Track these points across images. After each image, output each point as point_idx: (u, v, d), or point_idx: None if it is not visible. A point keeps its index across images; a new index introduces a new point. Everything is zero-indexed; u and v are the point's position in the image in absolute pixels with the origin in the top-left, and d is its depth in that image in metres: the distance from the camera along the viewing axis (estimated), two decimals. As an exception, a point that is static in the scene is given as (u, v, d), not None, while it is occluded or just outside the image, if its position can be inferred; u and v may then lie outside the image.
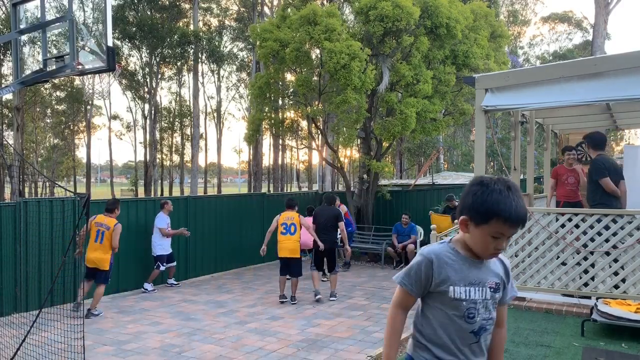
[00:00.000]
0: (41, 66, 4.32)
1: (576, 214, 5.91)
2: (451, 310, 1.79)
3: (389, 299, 8.36)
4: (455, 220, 9.27)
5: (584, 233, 5.82)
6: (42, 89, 28.15)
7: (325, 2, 15.89)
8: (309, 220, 8.83)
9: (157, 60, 27.89)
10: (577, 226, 5.87)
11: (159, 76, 30.17)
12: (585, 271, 5.84)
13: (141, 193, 31.47)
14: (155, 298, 8.58)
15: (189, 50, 26.10)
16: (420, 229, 11.54)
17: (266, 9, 30.17)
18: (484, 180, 1.74)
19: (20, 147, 22.41)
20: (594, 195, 6.24)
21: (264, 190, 32.74)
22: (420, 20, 10.79)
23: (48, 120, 36.23)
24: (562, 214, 6.02)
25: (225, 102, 53.29)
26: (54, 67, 4.21)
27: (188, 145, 33.90)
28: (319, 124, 13.12)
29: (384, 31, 10.49)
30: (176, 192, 38.09)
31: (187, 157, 34.49)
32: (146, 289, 8.91)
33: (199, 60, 28.13)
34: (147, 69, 29.40)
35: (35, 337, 4.97)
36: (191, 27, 26.87)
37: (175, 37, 25.64)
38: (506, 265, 1.91)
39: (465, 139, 28.06)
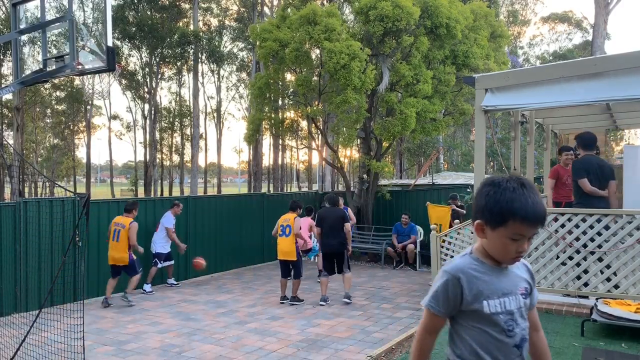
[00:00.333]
0: (41, 66, 4.32)
1: (576, 214, 5.90)
2: (489, 326, 1.65)
3: (389, 299, 8.36)
4: (456, 221, 9.29)
5: (584, 233, 5.82)
6: (42, 89, 28.14)
7: (325, 2, 15.90)
8: (305, 222, 8.78)
9: (157, 60, 27.89)
10: (577, 226, 5.87)
11: (159, 76, 30.17)
12: (585, 271, 5.84)
13: (141, 193, 31.46)
14: (155, 298, 8.58)
15: (189, 50, 26.10)
16: (420, 229, 11.54)
17: (266, 9, 30.17)
18: (495, 180, 1.64)
19: (20, 147, 22.41)
20: (575, 195, 6.45)
21: (264, 190, 32.75)
22: (420, 20, 10.80)
23: (48, 120, 36.22)
24: (562, 214, 6.02)
25: (225, 102, 53.34)
26: (54, 67, 4.20)
27: (188, 145, 33.89)
28: (319, 124, 13.12)
29: (384, 31, 10.49)
30: (176, 192, 38.07)
31: (187, 157, 34.49)
32: (145, 290, 8.89)
33: (199, 60, 28.14)
34: (147, 69, 29.40)
35: (35, 337, 4.97)
36: (191, 27, 26.87)
37: (175, 37, 25.65)
38: (528, 266, 1.81)
39: (465, 139, 28.05)
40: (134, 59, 30.74)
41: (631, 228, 5.54)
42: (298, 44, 10.70)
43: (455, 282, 1.65)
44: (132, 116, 36.93)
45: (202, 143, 35.13)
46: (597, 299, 5.50)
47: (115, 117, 38.12)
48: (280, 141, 31.77)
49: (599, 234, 5.72)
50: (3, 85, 16.75)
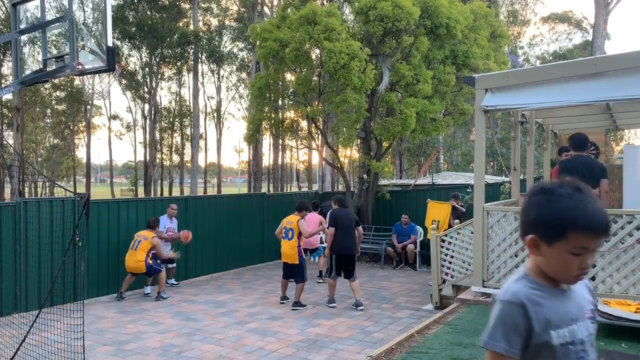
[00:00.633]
0: (41, 66, 4.32)
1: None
2: None
3: (389, 299, 8.36)
4: (456, 221, 9.28)
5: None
6: (42, 89, 28.13)
7: (325, 2, 15.89)
8: (313, 219, 8.61)
9: (157, 60, 27.89)
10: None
11: (159, 76, 30.17)
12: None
13: (141, 193, 31.46)
14: (155, 298, 8.57)
15: (189, 50, 26.11)
16: (420, 229, 11.54)
17: (266, 9, 30.18)
18: (545, 187, 1.42)
19: (20, 147, 22.41)
20: None
21: (264, 190, 32.74)
22: (420, 20, 10.80)
23: (48, 120, 36.21)
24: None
25: (225, 102, 53.28)
26: (54, 67, 4.20)
27: (188, 145, 33.90)
28: (318, 124, 13.12)
29: (384, 31, 10.49)
30: (176, 192, 38.07)
31: (187, 157, 34.49)
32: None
33: (199, 60, 28.15)
34: (147, 69, 29.40)
35: (35, 337, 4.97)
36: (191, 27, 26.88)
37: (175, 37, 25.65)
38: (588, 285, 1.56)
39: (465, 139, 28.06)
40: (134, 59, 30.76)
41: (631, 228, 5.54)
42: (298, 44, 10.70)
43: (521, 312, 1.39)
44: (132, 116, 36.93)
45: (202, 143, 35.14)
46: (597, 299, 5.50)
47: (115, 117, 38.14)
48: (280, 141, 31.77)
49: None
50: (3, 85, 16.75)
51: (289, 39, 10.90)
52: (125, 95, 34.55)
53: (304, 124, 14.34)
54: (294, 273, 7.92)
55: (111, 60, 3.81)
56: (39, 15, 4.80)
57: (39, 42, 22.35)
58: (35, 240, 7.69)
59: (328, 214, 7.69)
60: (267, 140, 33.87)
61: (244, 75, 36.43)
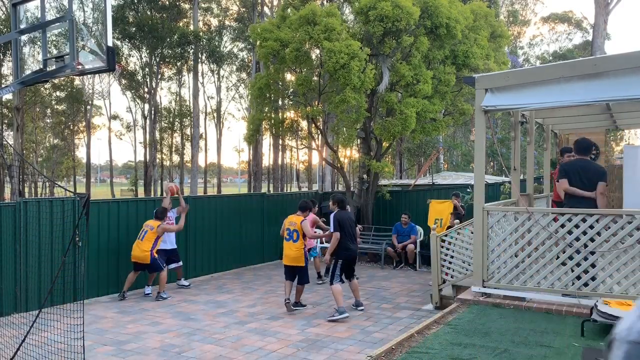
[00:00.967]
0: (41, 66, 4.31)
1: (576, 214, 5.91)
2: None
3: (389, 299, 8.36)
4: (456, 221, 9.28)
5: (584, 233, 5.82)
6: (42, 89, 28.15)
7: (325, 2, 15.89)
8: (307, 217, 8.61)
9: (157, 60, 27.90)
10: (577, 226, 5.88)
11: (159, 76, 30.17)
12: (585, 271, 5.84)
13: (141, 193, 31.47)
14: (155, 298, 8.57)
15: (189, 50, 26.12)
16: (420, 229, 11.54)
17: (266, 9, 30.19)
18: None
19: (20, 147, 22.41)
20: (564, 197, 6.55)
21: (264, 190, 32.74)
22: (420, 21, 10.80)
23: (48, 120, 36.25)
24: (562, 214, 6.02)
25: (225, 102, 53.36)
26: (54, 67, 4.20)
27: (188, 145, 33.91)
28: (318, 124, 13.12)
29: (384, 31, 10.49)
30: (176, 192, 37.99)
31: (187, 157, 34.51)
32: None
33: (199, 60, 28.16)
34: (147, 69, 29.41)
35: (35, 337, 4.97)
36: (191, 27, 26.89)
37: (175, 37, 25.67)
38: None
39: (465, 139, 28.07)
40: (134, 59, 30.78)
41: (631, 228, 5.54)
42: (298, 44, 10.70)
43: None
44: (132, 116, 36.96)
45: (202, 143, 35.18)
46: (597, 299, 5.50)
47: (115, 117, 38.19)
48: (280, 141, 31.78)
49: (599, 234, 5.72)
50: (3, 85, 16.75)
51: (289, 39, 10.90)
52: (125, 95, 34.58)
53: (304, 124, 14.34)
54: (299, 275, 7.74)
55: (111, 60, 3.81)
56: (39, 15, 4.81)
57: (39, 42, 22.36)
58: (35, 240, 7.69)
59: (331, 216, 7.58)
60: (267, 140, 33.91)
61: (244, 75, 36.45)
